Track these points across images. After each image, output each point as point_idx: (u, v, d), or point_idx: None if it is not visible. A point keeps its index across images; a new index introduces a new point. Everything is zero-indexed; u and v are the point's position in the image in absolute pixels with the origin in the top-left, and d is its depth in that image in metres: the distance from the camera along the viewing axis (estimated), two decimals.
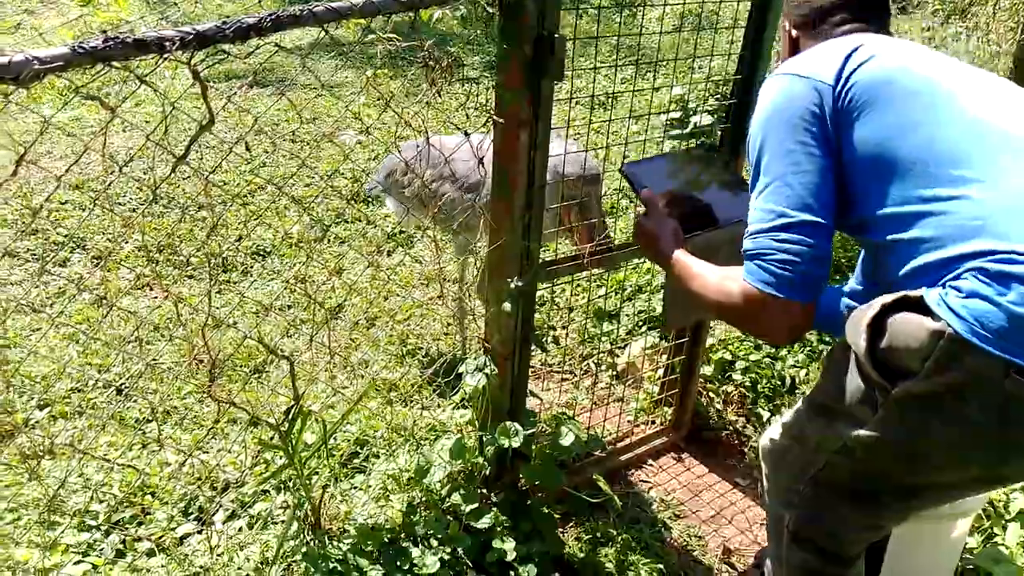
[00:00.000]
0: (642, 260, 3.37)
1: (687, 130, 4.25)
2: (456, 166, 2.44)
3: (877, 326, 1.33)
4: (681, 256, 1.69)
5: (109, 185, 4.24)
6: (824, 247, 1.41)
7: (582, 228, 2.46)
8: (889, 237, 1.37)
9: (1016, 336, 1.20)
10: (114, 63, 1.31)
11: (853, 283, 1.94)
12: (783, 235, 1.40)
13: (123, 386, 2.92)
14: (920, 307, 1.28)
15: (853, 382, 1.42)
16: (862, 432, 1.40)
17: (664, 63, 5.26)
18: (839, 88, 1.40)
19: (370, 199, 4.26)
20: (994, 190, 1.27)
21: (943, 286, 1.28)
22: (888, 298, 1.32)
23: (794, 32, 1.66)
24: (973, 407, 1.27)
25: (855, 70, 1.40)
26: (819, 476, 1.54)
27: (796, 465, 1.59)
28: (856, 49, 1.42)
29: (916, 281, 1.33)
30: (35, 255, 3.77)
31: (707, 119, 2.63)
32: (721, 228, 1.93)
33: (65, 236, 3.92)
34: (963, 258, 1.26)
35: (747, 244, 1.46)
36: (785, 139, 1.42)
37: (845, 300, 1.97)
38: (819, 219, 1.40)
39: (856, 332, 1.35)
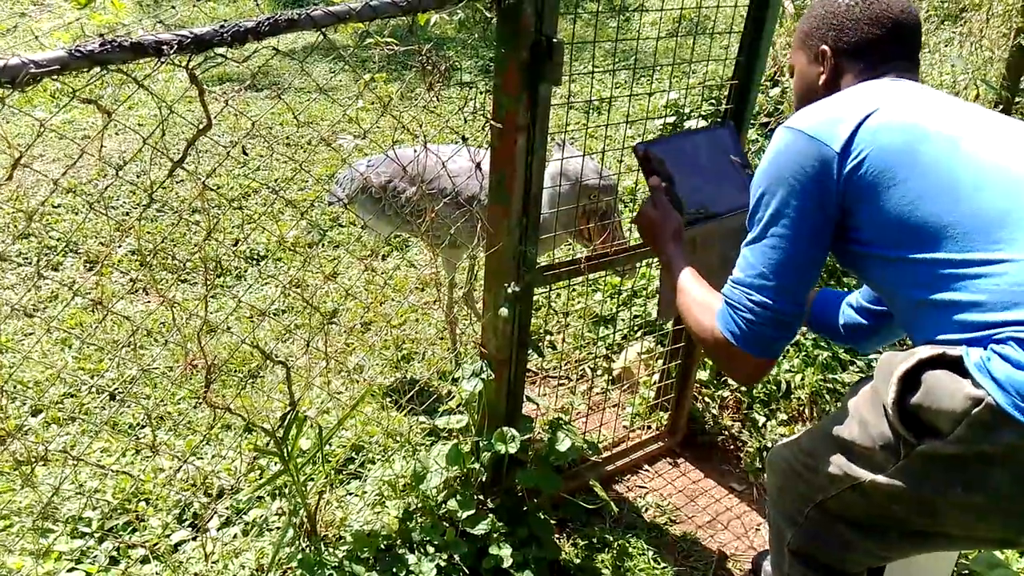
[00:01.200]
0: (640, 265, 3.38)
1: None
2: (448, 180, 2.44)
3: (911, 379, 1.31)
4: (675, 260, 1.75)
5: (106, 188, 4.21)
6: (791, 312, 1.47)
7: (598, 228, 2.48)
8: (925, 297, 1.35)
9: None
10: (111, 66, 1.30)
11: (861, 299, 1.90)
12: (756, 296, 1.47)
13: (116, 391, 2.91)
14: (957, 366, 1.26)
15: (878, 428, 1.39)
16: (881, 479, 1.38)
17: (659, 68, 5.27)
18: (849, 160, 1.38)
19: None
20: None
21: (985, 347, 1.25)
22: (926, 352, 1.30)
23: (834, 60, 1.62)
24: (1003, 477, 1.24)
25: (867, 139, 1.37)
26: (827, 504, 1.52)
27: (805, 487, 1.56)
28: (871, 114, 1.39)
29: (952, 340, 1.31)
30: (27, 259, 3.75)
31: (702, 124, 2.65)
32: (721, 219, 1.90)
33: (57, 240, 3.90)
34: (1005, 324, 1.23)
35: (726, 289, 1.53)
36: (781, 200, 1.44)
37: (850, 313, 1.93)
38: (794, 286, 1.46)
39: (887, 382, 1.33)
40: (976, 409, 1.21)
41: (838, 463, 1.47)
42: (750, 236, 1.51)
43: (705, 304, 1.60)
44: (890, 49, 1.56)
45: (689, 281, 1.68)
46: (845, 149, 1.38)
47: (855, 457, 1.44)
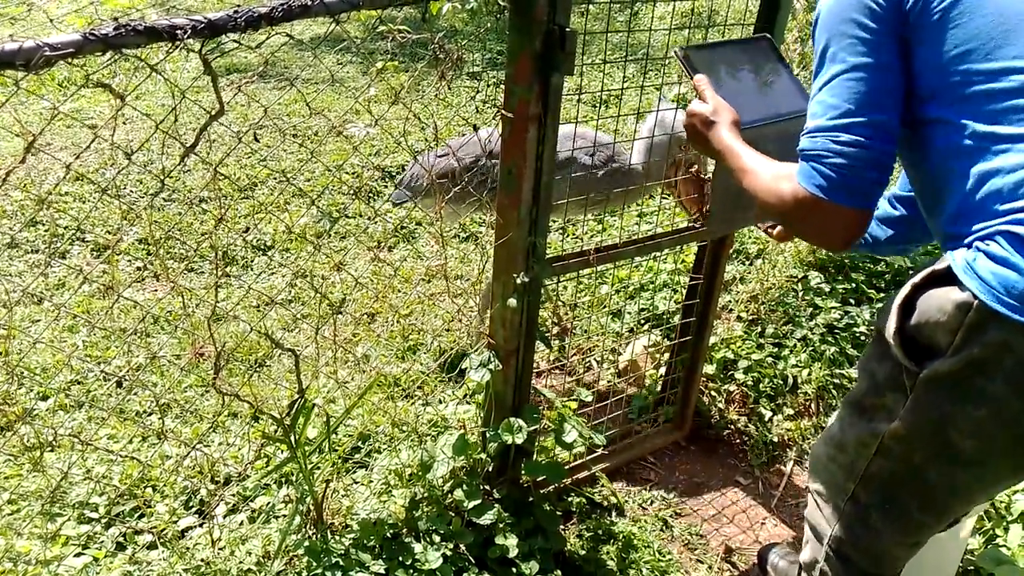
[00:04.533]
0: (647, 258, 3.37)
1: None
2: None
3: (908, 306, 1.30)
4: (735, 146, 1.54)
5: (118, 174, 4.22)
6: (886, 150, 1.30)
7: (685, 181, 2.48)
8: (948, 165, 1.28)
9: None
10: (125, 50, 1.30)
11: (898, 189, 1.80)
12: (843, 136, 1.28)
13: (123, 378, 2.91)
14: (949, 278, 1.24)
15: (882, 372, 1.38)
16: (896, 425, 1.36)
17: (668, 61, 5.25)
18: None
19: (385, 197, 4.24)
20: None
21: (969, 247, 1.22)
22: (918, 277, 1.29)
23: None
24: (998, 383, 1.21)
25: None
26: (858, 491, 1.50)
27: (840, 472, 1.55)
28: None
29: (956, 227, 1.26)
30: (34, 247, 3.76)
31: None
32: (776, 121, 1.78)
33: (65, 227, 3.90)
34: (1004, 214, 1.18)
35: (804, 143, 1.34)
36: (854, 26, 1.29)
37: (886, 207, 1.80)
38: (884, 118, 1.29)
39: (886, 315, 1.33)
40: (968, 315, 1.19)
41: (858, 428, 1.46)
42: (822, 77, 1.33)
43: (779, 174, 1.41)
44: None
45: (755, 159, 1.49)
46: None
47: (870, 413, 1.43)
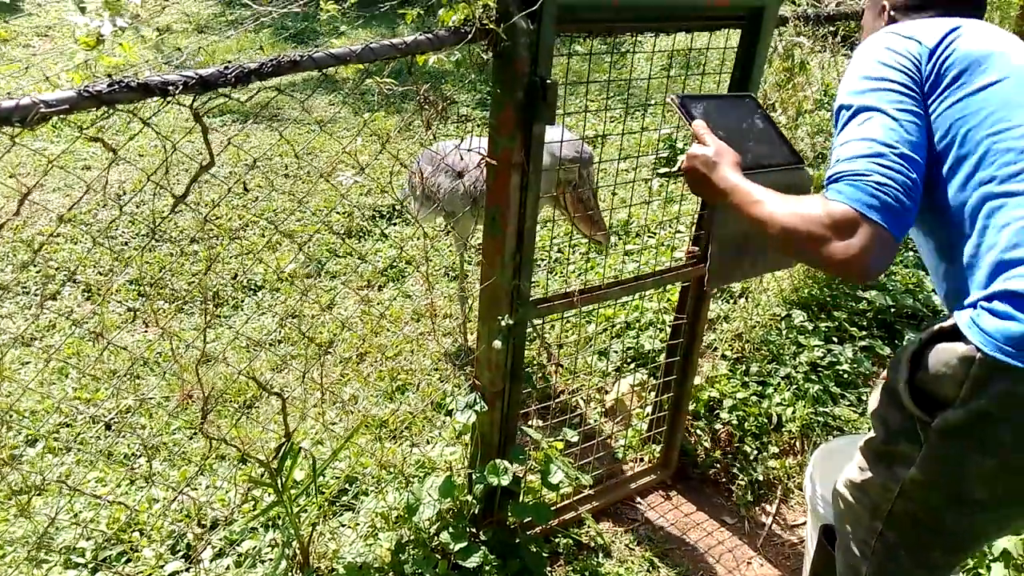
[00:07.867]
0: (632, 297, 3.41)
1: (675, 168, 4.34)
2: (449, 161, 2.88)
3: (917, 361, 1.35)
4: (743, 183, 1.50)
5: (113, 222, 4.26)
6: (920, 186, 1.31)
7: (574, 199, 2.68)
8: (951, 229, 1.37)
9: None
10: (118, 106, 1.34)
11: None
12: (885, 160, 1.29)
13: (112, 422, 2.92)
14: (955, 334, 1.30)
15: (897, 421, 1.42)
16: (913, 471, 1.40)
17: (652, 104, 5.35)
18: (937, 53, 1.38)
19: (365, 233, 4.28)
20: None
21: (975, 307, 1.29)
22: (925, 334, 1.36)
23: (892, 12, 1.63)
24: (1005, 433, 1.26)
25: (954, 41, 1.39)
26: (884, 531, 1.53)
27: (865, 515, 1.57)
28: (957, 28, 1.42)
29: (960, 286, 1.34)
30: (25, 289, 3.77)
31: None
32: (775, 170, 1.76)
33: (56, 269, 3.92)
34: (1003, 270, 1.27)
35: (839, 167, 1.32)
36: (886, 77, 1.38)
37: None
38: (919, 159, 1.32)
39: (897, 368, 1.39)
40: (972, 367, 1.25)
41: (878, 474, 1.50)
42: (856, 119, 1.36)
43: (801, 200, 1.36)
44: (953, 4, 1.56)
45: (768, 191, 1.44)
46: (937, 44, 1.39)
47: (888, 460, 1.47)
